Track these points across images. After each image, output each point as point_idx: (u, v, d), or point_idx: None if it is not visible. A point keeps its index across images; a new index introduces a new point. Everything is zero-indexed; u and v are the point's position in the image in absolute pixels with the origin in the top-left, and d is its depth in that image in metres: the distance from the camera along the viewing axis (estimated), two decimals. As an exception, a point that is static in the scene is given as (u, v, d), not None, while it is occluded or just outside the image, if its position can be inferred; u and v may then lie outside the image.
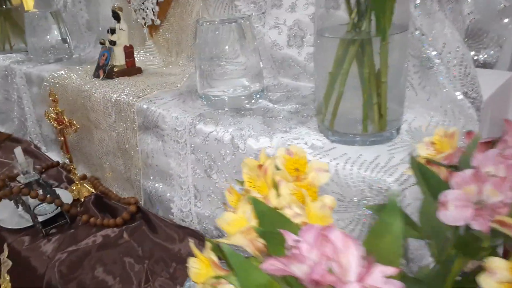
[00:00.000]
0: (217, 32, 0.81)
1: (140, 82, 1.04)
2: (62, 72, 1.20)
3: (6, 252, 0.94)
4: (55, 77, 1.18)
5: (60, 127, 1.05)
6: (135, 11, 1.18)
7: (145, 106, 0.89)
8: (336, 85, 0.63)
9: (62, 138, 1.07)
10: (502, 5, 0.88)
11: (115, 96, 0.97)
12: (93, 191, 1.10)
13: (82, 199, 1.07)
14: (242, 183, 0.41)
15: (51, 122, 1.08)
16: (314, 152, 0.61)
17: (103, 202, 1.03)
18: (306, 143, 0.63)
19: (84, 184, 1.11)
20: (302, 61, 0.87)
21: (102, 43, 1.12)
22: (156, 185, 0.93)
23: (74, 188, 1.10)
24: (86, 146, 1.13)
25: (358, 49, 0.60)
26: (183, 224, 0.88)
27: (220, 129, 0.74)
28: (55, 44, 1.37)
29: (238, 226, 0.35)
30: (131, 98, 0.93)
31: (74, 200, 1.06)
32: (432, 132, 0.65)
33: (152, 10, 1.12)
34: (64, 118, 1.04)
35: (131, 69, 1.13)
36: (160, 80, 1.06)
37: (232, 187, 0.40)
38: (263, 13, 0.90)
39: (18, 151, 1.00)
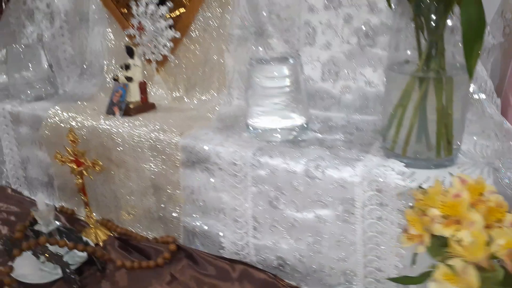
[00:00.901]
0: (268, 69, 0.85)
1: (166, 118, 1.03)
2: (60, 110, 1.13)
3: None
4: (55, 115, 1.11)
5: (79, 168, 0.99)
6: (137, 46, 1.16)
7: (191, 143, 0.89)
8: (406, 116, 0.72)
9: (80, 181, 1.01)
10: None
11: (152, 134, 0.94)
12: (110, 234, 1.05)
13: (101, 244, 1.01)
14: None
15: (64, 164, 1.01)
16: (403, 177, 0.68)
17: (129, 244, 0.99)
18: (393, 169, 0.69)
19: (101, 228, 1.05)
20: (337, 93, 0.94)
21: (116, 80, 1.08)
22: (201, 221, 0.92)
23: (90, 232, 1.04)
24: (99, 187, 1.08)
25: (428, 86, 0.69)
26: (235, 257, 0.89)
27: (290, 161, 0.77)
28: (41, 79, 1.28)
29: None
30: (171, 135, 0.93)
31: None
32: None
33: (166, 46, 1.11)
34: (85, 158, 0.98)
35: (146, 105, 1.11)
36: (183, 115, 1.06)
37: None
38: (296, 50, 0.97)
39: (39, 199, 0.92)
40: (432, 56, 0.69)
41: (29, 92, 1.26)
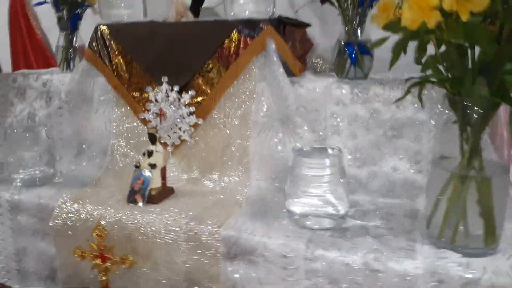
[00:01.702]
0: (309, 160, 0.89)
1: (192, 205, 1.02)
2: (70, 198, 1.06)
3: None
4: (67, 205, 1.04)
5: (105, 264, 0.93)
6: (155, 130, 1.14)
7: (235, 234, 0.88)
8: (451, 207, 0.78)
9: (104, 278, 0.94)
10: None
11: (184, 224, 0.92)
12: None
13: None
14: None
15: (83, 259, 0.94)
16: (463, 268, 0.73)
17: None
18: (453, 261, 0.74)
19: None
20: (363, 178, 1.00)
21: (138, 166, 1.06)
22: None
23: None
24: (117, 281, 1.01)
25: (470, 182, 0.77)
26: None
27: (346, 253, 0.79)
28: (39, 161, 1.21)
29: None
30: (209, 225, 0.91)
31: None
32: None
33: (186, 132, 1.12)
34: (112, 254, 0.93)
35: (166, 190, 1.08)
36: (207, 200, 1.04)
37: None
38: (323, 139, 1.02)
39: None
40: (473, 156, 0.78)
41: (25, 174, 1.19)
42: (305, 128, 1.02)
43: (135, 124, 1.24)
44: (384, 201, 0.99)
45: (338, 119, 1.00)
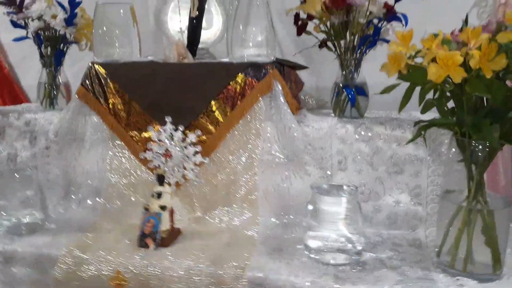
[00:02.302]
0: (328, 198, 0.94)
1: (205, 246, 1.01)
2: (75, 247, 1.01)
3: None
4: (71, 255, 0.99)
5: (125, 314, 0.89)
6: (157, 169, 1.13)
7: (260, 276, 0.89)
8: (459, 237, 0.86)
9: None
10: None
11: (211, 268, 0.92)
12: None
13: None
14: None
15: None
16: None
17: None
18: (472, 288, 0.81)
19: None
20: (369, 212, 1.06)
21: (147, 209, 1.03)
22: None
23: None
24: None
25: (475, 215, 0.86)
26: None
27: (373, 286, 0.84)
28: (28, 208, 1.14)
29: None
30: (230, 267, 0.92)
31: None
32: None
33: (192, 170, 1.11)
34: None
35: (174, 232, 1.07)
36: (218, 240, 1.05)
37: None
38: (330, 175, 1.07)
39: None
40: (478, 190, 0.87)
41: (10, 221, 1.11)
42: (313, 165, 1.08)
43: (131, 163, 1.22)
44: (388, 233, 1.06)
45: (343, 157, 1.07)
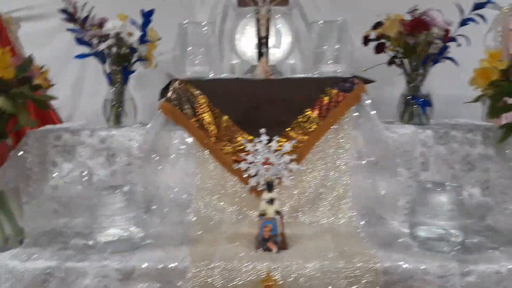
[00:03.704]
0: (434, 195, 1.07)
1: (320, 244, 1.09)
2: (193, 257, 1.02)
3: None
4: (199, 264, 1.00)
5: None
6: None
7: (392, 265, 0.99)
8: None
9: None
10: None
11: (340, 262, 0.99)
12: None
13: None
14: None
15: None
16: None
17: None
18: None
19: None
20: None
21: (263, 215, 1.08)
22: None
23: None
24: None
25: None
26: None
27: (492, 264, 0.98)
28: (125, 224, 1.10)
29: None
30: (363, 262, 1.00)
31: None
32: None
33: (288, 178, 1.17)
34: None
35: (285, 235, 1.12)
36: (326, 237, 1.13)
37: None
38: (415, 175, 1.21)
39: None
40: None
41: (112, 238, 1.08)
42: (401, 166, 1.21)
43: (219, 175, 1.25)
44: (465, 222, 1.22)
45: (425, 158, 1.22)
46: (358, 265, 1.01)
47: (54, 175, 1.26)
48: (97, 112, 1.64)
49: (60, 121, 1.64)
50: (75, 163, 1.26)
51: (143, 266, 1.02)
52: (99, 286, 1.01)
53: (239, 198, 1.25)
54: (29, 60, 1.02)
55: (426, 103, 1.29)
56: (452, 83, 1.40)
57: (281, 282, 1.00)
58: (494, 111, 1.07)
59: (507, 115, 1.18)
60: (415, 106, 1.29)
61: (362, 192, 1.23)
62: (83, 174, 1.25)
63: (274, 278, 0.94)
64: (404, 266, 1.00)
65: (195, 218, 1.23)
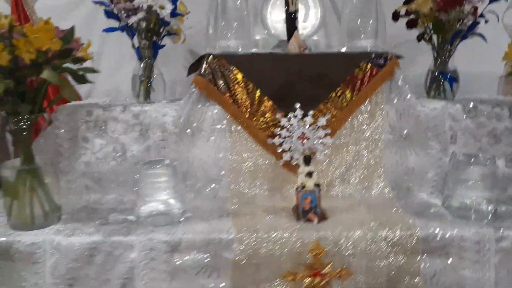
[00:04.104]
0: (471, 167, 1.11)
1: (358, 214, 1.13)
2: (237, 228, 1.05)
3: None
4: (244, 234, 1.03)
5: (324, 280, 0.96)
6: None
7: (430, 232, 1.04)
8: None
9: None
10: None
11: (383, 231, 1.04)
12: None
13: None
14: None
15: (295, 281, 0.96)
16: None
17: None
18: None
19: None
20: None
21: (303, 187, 1.10)
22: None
23: None
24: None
25: None
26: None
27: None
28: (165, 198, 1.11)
29: None
30: (403, 230, 1.04)
31: None
32: None
33: (323, 152, 1.19)
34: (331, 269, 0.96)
35: (322, 207, 1.15)
36: (362, 209, 1.16)
37: None
38: (445, 149, 1.25)
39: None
40: None
41: (151, 213, 1.10)
42: (431, 140, 1.24)
43: (252, 150, 1.26)
44: (489, 193, 1.27)
45: (453, 132, 1.26)
46: (399, 233, 1.05)
47: (86, 151, 1.25)
48: (117, 88, 1.64)
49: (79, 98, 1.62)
50: (107, 139, 1.25)
51: (189, 237, 1.04)
52: (147, 258, 1.03)
53: (272, 173, 1.27)
54: (72, 31, 0.99)
55: (453, 79, 1.32)
56: (470, 60, 1.44)
57: (325, 250, 1.04)
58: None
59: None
60: (442, 81, 1.33)
61: (393, 165, 1.26)
62: (116, 150, 1.24)
63: (322, 246, 0.97)
64: (441, 233, 1.05)
65: (229, 193, 1.24)
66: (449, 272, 1.05)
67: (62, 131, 1.25)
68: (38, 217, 1.09)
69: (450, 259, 1.05)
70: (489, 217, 1.10)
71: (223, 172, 1.27)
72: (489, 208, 1.12)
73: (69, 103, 1.31)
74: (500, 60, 1.29)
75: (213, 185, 1.27)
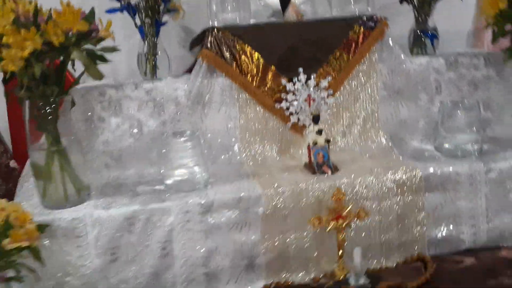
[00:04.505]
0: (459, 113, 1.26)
1: (365, 164, 1.27)
2: (263, 186, 1.16)
3: None
4: (270, 190, 1.14)
5: (345, 222, 1.08)
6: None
7: (433, 172, 1.19)
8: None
9: (342, 236, 1.09)
10: None
11: (388, 175, 1.18)
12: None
13: None
14: None
15: (321, 226, 1.08)
16: None
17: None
18: None
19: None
20: (458, 123, 1.43)
21: (315, 144, 1.21)
22: (444, 229, 1.21)
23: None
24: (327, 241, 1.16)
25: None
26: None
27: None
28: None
29: None
30: (409, 173, 1.18)
31: None
32: None
33: (326, 112, 1.30)
34: (349, 211, 1.09)
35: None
36: (366, 158, 1.31)
37: None
38: (432, 99, 1.39)
39: (357, 251, 0.99)
40: None
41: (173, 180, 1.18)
42: (420, 92, 1.39)
43: (261, 116, 1.35)
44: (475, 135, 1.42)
45: (438, 83, 1.40)
46: (403, 175, 1.19)
47: (103, 130, 1.30)
48: (115, 68, 1.65)
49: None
50: (122, 117, 1.31)
51: (220, 197, 1.14)
52: (183, 220, 1.12)
53: (280, 137, 1.37)
54: (92, 12, 1.03)
55: (434, 35, 1.46)
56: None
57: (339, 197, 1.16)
58: (498, 35, 1.26)
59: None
60: (424, 39, 1.46)
61: (388, 118, 1.40)
62: (133, 126, 1.30)
63: (343, 191, 1.09)
64: (439, 171, 1.20)
65: (243, 158, 1.34)
66: (448, 204, 1.22)
67: (77, 112, 1.29)
68: (71, 195, 1.14)
69: (449, 192, 1.21)
70: (476, 154, 1.27)
71: (234, 139, 1.36)
72: (475, 147, 1.29)
73: (79, 85, 1.34)
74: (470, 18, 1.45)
75: (227, 152, 1.36)
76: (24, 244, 0.87)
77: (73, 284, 1.08)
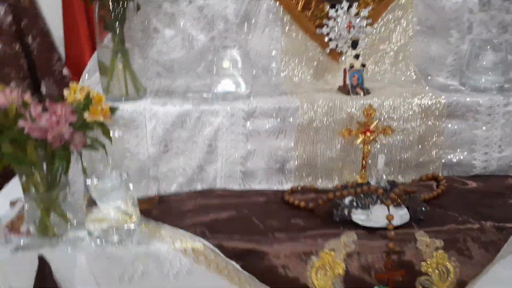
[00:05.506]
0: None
1: (390, 88, 1.38)
2: (302, 101, 1.30)
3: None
4: (309, 108, 1.28)
5: (372, 136, 1.22)
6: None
7: (455, 98, 1.31)
8: None
9: (368, 148, 1.23)
10: None
11: (415, 97, 1.31)
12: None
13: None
14: None
15: (350, 136, 1.22)
16: None
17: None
18: None
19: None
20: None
21: (352, 67, 1.33)
22: (458, 154, 1.34)
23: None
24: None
25: None
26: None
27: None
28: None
29: None
30: (433, 97, 1.31)
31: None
32: None
33: (364, 40, 1.41)
34: (377, 126, 1.22)
35: (362, 86, 1.40)
36: (385, 84, 1.43)
37: None
38: (463, 37, 1.48)
39: (381, 157, 1.14)
40: None
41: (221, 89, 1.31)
42: (452, 29, 1.47)
43: (303, 41, 1.46)
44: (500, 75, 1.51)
45: (471, 22, 1.48)
46: (428, 101, 1.31)
47: (157, 41, 1.43)
48: None
49: None
50: (176, 30, 1.42)
51: (262, 106, 1.28)
52: (229, 122, 1.27)
53: (316, 62, 1.49)
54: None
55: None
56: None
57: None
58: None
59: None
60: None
61: (418, 52, 1.50)
62: (184, 40, 1.42)
63: (373, 108, 1.22)
64: (462, 100, 1.32)
65: (281, 79, 1.46)
66: (466, 132, 1.34)
67: (136, 22, 1.41)
68: (131, 93, 1.29)
69: (467, 121, 1.33)
70: (499, 89, 1.37)
71: (275, 61, 1.48)
72: (497, 84, 1.39)
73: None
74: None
75: (267, 72, 1.48)
76: (100, 119, 1.03)
77: (129, 166, 1.25)
